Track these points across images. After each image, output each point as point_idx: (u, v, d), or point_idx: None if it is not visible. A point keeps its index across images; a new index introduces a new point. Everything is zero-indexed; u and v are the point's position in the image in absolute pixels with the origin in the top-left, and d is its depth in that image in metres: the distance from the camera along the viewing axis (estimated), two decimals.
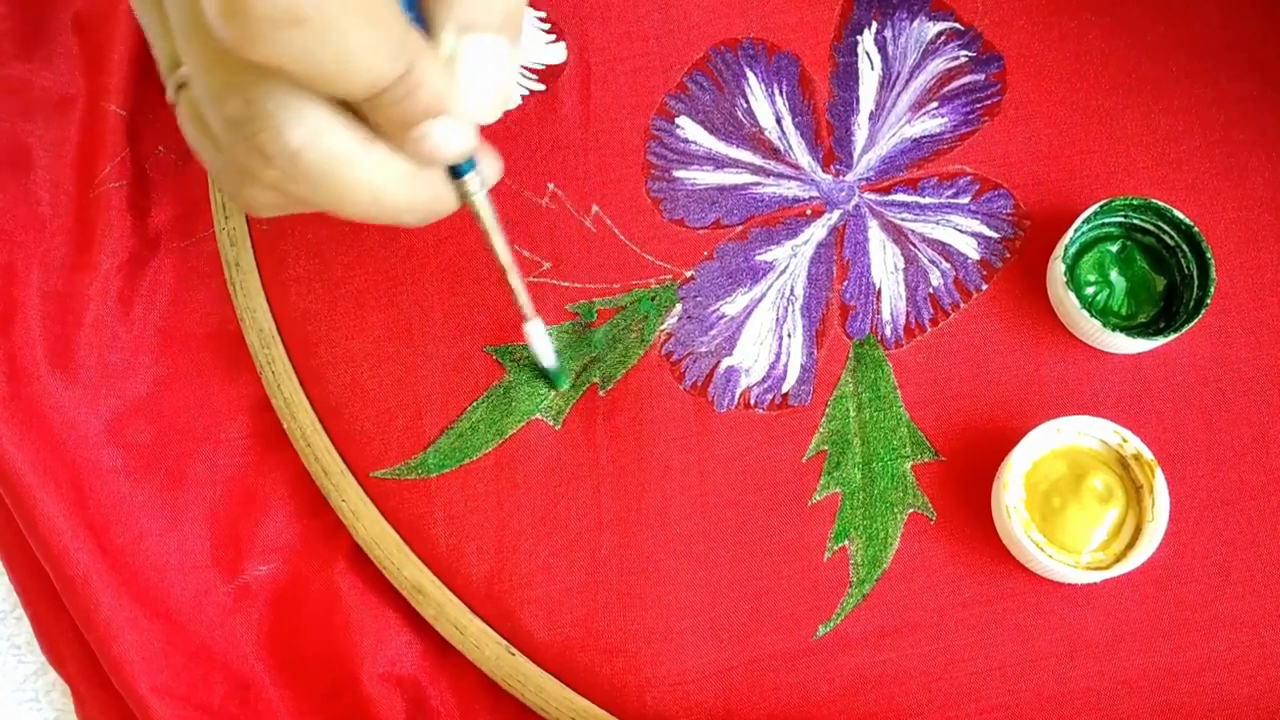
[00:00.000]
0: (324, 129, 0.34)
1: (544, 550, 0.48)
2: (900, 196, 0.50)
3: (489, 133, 0.51)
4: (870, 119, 0.51)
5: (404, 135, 0.35)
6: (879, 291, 0.50)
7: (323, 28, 0.30)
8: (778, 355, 0.49)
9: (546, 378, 0.49)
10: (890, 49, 0.51)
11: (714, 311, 0.50)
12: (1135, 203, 0.48)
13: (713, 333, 0.49)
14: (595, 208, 0.50)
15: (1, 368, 0.51)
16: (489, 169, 0.39)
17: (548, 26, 0.52)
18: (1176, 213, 0.48)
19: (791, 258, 0.50)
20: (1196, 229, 0.48)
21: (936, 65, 0.51)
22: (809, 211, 0.50)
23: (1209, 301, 0.47)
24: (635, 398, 0.49)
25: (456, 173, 0.38)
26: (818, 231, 0.50)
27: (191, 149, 0.37)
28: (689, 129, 0.51)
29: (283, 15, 0.29)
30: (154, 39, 0.37)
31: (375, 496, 0.49)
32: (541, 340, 0.47)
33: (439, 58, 0.35)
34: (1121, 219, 0.49)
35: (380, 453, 0.49)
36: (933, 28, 0.51)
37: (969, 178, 0.50)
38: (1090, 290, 0.49)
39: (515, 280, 0.44)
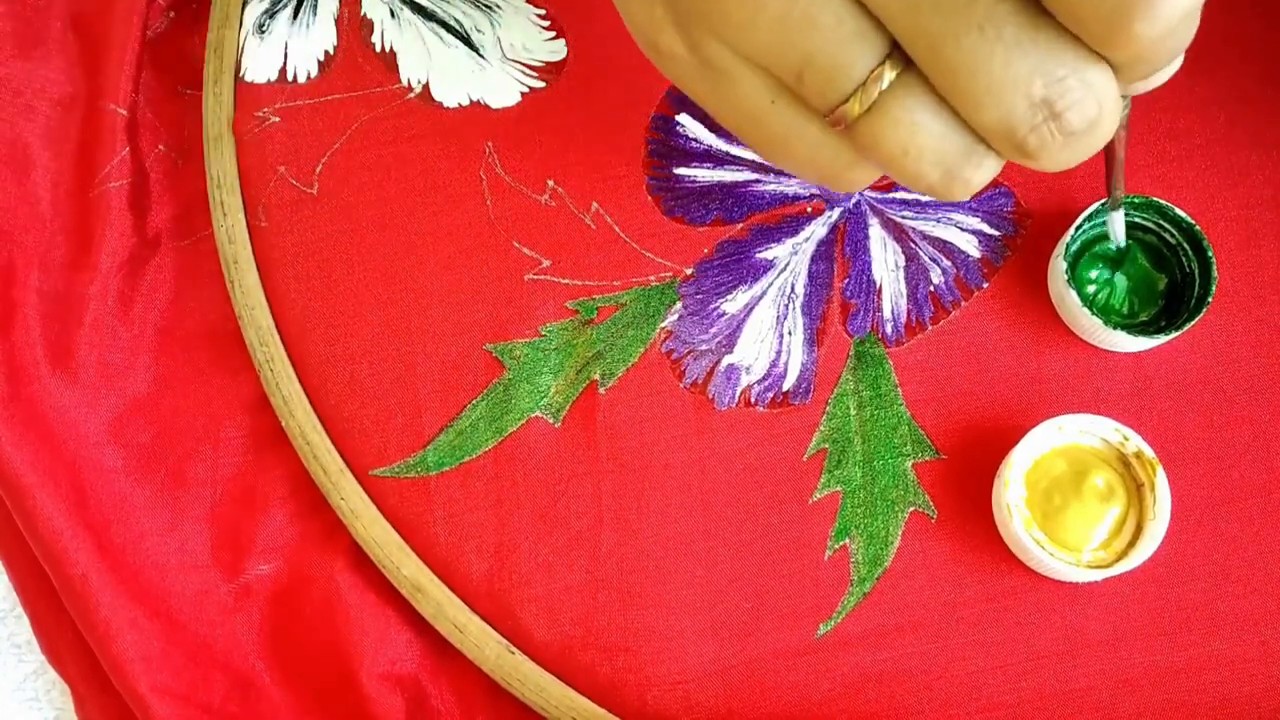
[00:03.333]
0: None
1: (544, 549, 0.48)
2: (901, 194, 0.50)
3: (491, 125, 0.51)
4: None
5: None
6: (880, 289, 0.49)
7: None
8: (778, 353, 0.49)
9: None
10: None
11: (714, 309, 0.49)
12: (1136, 201, 0.48)
13: (713, 330, 0.49)
14: (595, 205, 0.50)
15: (1, 368, 0.51)
16: None
17: (548, 23, 0.52)
18: (1178, 211, 0.48)
19: (792, 255, 0.50)
20: (1198, 227, 0.47)
21: None
22: (809, 209, 0.50)
23: (1210, 300, 0.47)
24: (635, 395, 0.49)
25: None
26: (818, 229, 0.50)
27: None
28: (689, 126, 0.51)
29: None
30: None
31: (375, 495, 0.49)
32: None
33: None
34: None
35: (379, 451, 0.49)
36: None
37: None
38: (1092, 288, 0.49)
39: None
